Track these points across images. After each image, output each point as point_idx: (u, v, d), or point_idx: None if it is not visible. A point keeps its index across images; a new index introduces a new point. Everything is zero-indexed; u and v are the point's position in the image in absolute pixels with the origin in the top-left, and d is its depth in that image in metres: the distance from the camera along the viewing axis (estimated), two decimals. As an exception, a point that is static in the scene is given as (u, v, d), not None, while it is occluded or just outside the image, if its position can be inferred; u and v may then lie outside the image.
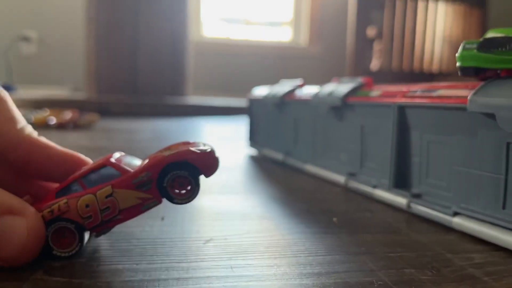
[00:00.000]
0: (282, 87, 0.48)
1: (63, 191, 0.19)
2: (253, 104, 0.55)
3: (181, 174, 0.18)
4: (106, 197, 0.18)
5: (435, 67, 2.02)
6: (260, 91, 0.53)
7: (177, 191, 0.19)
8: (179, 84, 1.52)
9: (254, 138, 0.55)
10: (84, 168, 0.20)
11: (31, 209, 0.18)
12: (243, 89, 1.07)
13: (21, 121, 0.21)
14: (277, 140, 0.48)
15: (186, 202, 0.19)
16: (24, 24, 2.06)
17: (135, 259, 0.19)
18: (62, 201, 0.18)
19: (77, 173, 0.20)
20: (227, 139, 0.71)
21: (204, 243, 0.21)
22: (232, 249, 0.20)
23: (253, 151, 0.55)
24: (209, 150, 0.19)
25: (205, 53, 2.32)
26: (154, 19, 1.45)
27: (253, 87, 0.59)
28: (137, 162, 0.20)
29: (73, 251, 0.19)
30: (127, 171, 0.19)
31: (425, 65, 2.02)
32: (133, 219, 0.21)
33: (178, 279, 0.17)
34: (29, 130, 0.21)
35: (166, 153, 0.19)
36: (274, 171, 0.43)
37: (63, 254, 0.18)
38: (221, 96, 2.01)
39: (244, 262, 0.19)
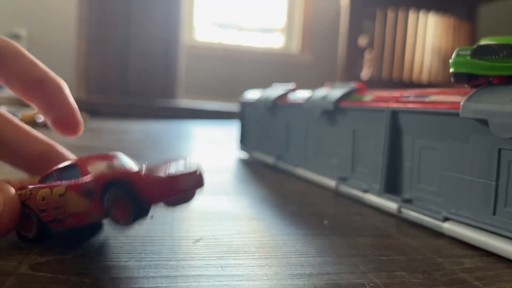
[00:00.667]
0: (275, 91, 0.48)
1: (45, 178, 0.19)
2: (245, 107, 0.55)
3: (119, 194, 0.16)
4: (59, 196, 0.18)
5: (424, 78, 2.05)
6: (253, 94, 0.53)
7: (117, 210, 0.17)
8: (170, 87, 1.52)
9: (245, 142, 0.54)
10: (69, 162, 0.19)
11: (7, 186, 0.19)
12: (235, 94, 1.07)
13: None
14: (269, 144, 0.48)
15: (123, 225, 0.17)
16: (14, 21, 2.04)
17: (123, 256, 0.18)
18: (29, 188, 0.19)
19: (60, 165, 0.19)
20: (217, 142, 0.71)
21: (193, 242, 0.21)
22: (222, 248, 0.20)
23: (244, 155, 0.55)
24: (160, 176, 0.17)
25: (197, 57, 2.32)
26: (146, 20, 1.45)
27: (244, 92, 0.59)
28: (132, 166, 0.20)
29: (32, 236, 0.19)
30: (85, 174, 0.18)
31: (415, 75, 2.04)
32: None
33: (167, 277, 0.17)
34: None
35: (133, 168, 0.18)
36: (265, 174, 0.43)
37: (24, 235, 0.19)
38: (212, 100, 2.01)
39: (234, 261, 0.19)
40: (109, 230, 0.22)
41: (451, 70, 0.24)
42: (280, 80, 2.23)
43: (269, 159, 0.46)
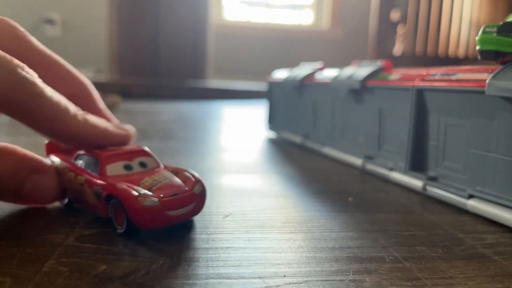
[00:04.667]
0: (302, 70, 0.48)
1: (77, 157, 0.22)
2: (272, 87, 0.55)
3: (118, 206, 0.19)
4: (80, 184, 0.20)
5: (461, 52, 1.97)
6: (280, 74, 0.54)
7: (118, 217, 0.19)
8: (200, 67, 1.53)
9: (273, 121, 0.55)
10: (96, 154, 0.21)
11: (50, 166, 0.22)
12: (264, 72, 1.07)
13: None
14: (296, 123, 0.48)
15: (119, 232, 0.19)
16: (48, 6, 2.10)
17: (158, 230, 0.20)
18: (62, 165, 0.22)
19: (89, 152, 0.21)
20: (246, 122, 0.72)
21: (223, 218, 0.22)
22: (249, 223, 0.22)
23: (272, 134, 0.56)
24: (153, 203, 0.18)
25: (226, 36, 2.32)
26: (175, 1, 1.46)
27: (273, 71, 0.59)
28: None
29: (64, 203, 0.22)
30: (101, 174, 0.20)
31: (451, 50, 1.97)
32: None
33: (198, 248, 0.18)
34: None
35: (127, 189, 0.18)
36: (292, 153, 0.44)
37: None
38: (241, 79, 2.02)
39: (261, 235, 0.20)
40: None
41: (478, 47, 0.24)
42: (310, 57, 2.21)
43: (297, 138, 0.47)
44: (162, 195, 0.18)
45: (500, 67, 0.23)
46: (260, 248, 0.18)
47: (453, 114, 0.27)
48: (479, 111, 0.24)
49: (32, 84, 0.18)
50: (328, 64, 0.48)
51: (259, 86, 1.35)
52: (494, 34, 0.23)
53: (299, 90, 0.48)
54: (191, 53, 1.51)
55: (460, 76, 0.26)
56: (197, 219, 0.22)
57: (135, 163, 0.21)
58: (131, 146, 0.22)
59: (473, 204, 0.24)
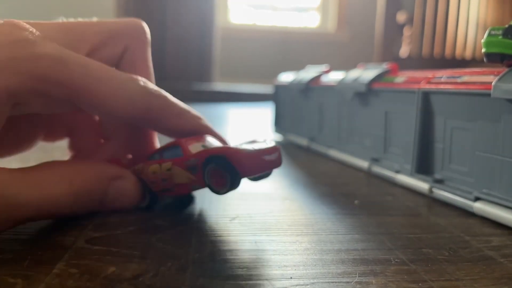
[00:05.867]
0: (308, 73, 0.48)
1: (152, 156, 0.23)
2: (278, 90, 0.56)
3: (217, 167, 0.20)
4: (167, 170, 0.22)
5: (468, 54, 1.96)
6: (286, 77, 0.54)
7: (215, 180, 0.20)
8: (206, 70, 1.54)
9: (279, 124, 0.55)
10: (171, 143, 0.23)
11: (129, 172, 0.23)
12: (270, 75, 1.08)
13: None
14: (302, 126, 0.49)
15: (221, 193, 0.20)
16: (55, 11, 2.12)
17: (167, 233, 0.20)
18: (141, 164, 0.23)
19: (164, 146, 0.23)
20: (252, 124, 0.72)
21: (230, 220, 0.22)
22: (256, 226, 0.22)
23: (278, 137, 0.56)
24: (250, 151, 0.20)
25: (232, 39, 2.33)
26: (182, 5, 1.47)
27: (279, 74, 0.59)
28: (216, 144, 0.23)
29: (146, 204, 0.23)
30: (187, 153, 0.21)
31: (458, 52, 1.96)
32: (164, 197, 0.25)
33: (206, 251, 0.18)
34: None
35: (225, 146, 0.20)
36: (299, 156, 0.44)
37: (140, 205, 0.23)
38: (247, 82, 2.02)
39: (267, 238, 0.20)
40: (154, 211, 0.24)
41: (483, 50, 0.24)
42: (316, 60, 2.21)
43: (303, 141, 0.47)
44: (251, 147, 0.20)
45: (506, 69, 0.23)
46: (267, 250, 0.19)
47: (459, 117, 0.27)
48: (485, 113, 0.24)
49: (164, 96, 0.22)
50: (334, 67, 0.48)
51: (265, 89, 1.35)
52: (500, 37, 0.23)
53: (305, 93, 0.48)
54: (197, 56, 1.51)
55: (466, 78, 0.26)
56: (204, 221, 0.22)
57: (208, 142, 0.23)
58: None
59: (479, 207, 0.24)
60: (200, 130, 0.23)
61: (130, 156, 0.25)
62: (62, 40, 0.20)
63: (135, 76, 0.21)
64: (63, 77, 0.18)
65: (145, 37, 0.24)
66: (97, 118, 0.26)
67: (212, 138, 0.24)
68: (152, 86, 0.21)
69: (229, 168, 0.19)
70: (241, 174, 0.19)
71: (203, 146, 0.22)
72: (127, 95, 0.20)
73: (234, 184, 0.20)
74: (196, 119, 0.23)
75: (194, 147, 0.22)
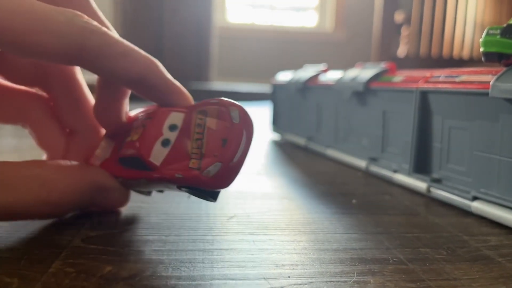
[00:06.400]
0: (306, 72, 0.48)
1: (122, 158, 0.20)
2: (276, 89, 0.56)
3: (192, 192, 0.18)
4: (144, 184, 0.20)
5: (465, 53, 1.97)
6: (284, 76, 0.54)
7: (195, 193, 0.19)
8: (204, 69, 1.54)
9: (277, 123, 0.55)
10: (129, 147, 0.20)
11: (112, 179, 0.21)
12: (268, 74, 1.07)
13: None
14: (300, 125, 0.49)
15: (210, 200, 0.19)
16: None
17: (164, 231, 0.20)
18: (120, 178, 0.21)
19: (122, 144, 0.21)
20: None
21: (228, 219, 0.22)
22: (254, 225, 0.22)
23: (276, 136, 0.56)
24: (216, 170, 0.17)
25: (230, 39, 2.32)
26: (179, 4, 1.46)
27: (277, 73, 0.59)
28: None
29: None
30: (152, 167, 0.19)
31: (455, 51, 1.96)
32: (162, 195, 0.25)
33: (203, 250, 0.18)
34: None
35: (187, 170, 0.18)
36: (296, 155, 0.44)
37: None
38: (245, 81, 2.02)
39: (265, 237, 0.20)
40: (150, 209, 0.23)
41: (481, 49, 0.24)
42: (314, 59, 2.21)
43: (301, 140, 0.47)
44: (216, 154, 0.17)
45: (504, 69, 0.23)
46: (265, 249, 0.19)
47: (457, 116, 0.27)
48: (483, 113, 0.24)
49: (102, 31, 0.17)
50: (331, 66, 0.48)
51: (263, 88, 1.35)
52: (498, 36, 0.23)
53: (303, 92, 0.48)
54: (195, 56, 1.51)
55: (464, 78, 0.26)
56: (202, 220, 0.22)
57: (166, 132, 0.19)
58: (150, 109, 0.21)
59: (477, 206, 0.24)
60: (151, 76, 0.19)
61: (111, 145, 0.22)
62: None
63: (65, 9, 0.17)
64: None
65: (94, 10, 0.20)
66: (51, 102, 0.23)
67: (172, 109, 0.20)
68: (87, 19, 0.17)
69: (202, 192, 0.18)
70: (216, 192, 0.18)
71: (163, 143, 0.19)
72: (53, 29, 0.16)
73: (215, 198, 0.18)
74: (146, 61, 0.19)
75: (156, 155, 0.18)
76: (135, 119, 0.22)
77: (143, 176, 0.19)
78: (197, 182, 0.17)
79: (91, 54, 0.17)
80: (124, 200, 0.22)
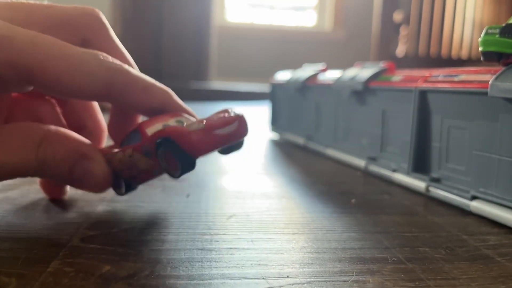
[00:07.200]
0: (305, 72, 0.48)
1: (122, 142, 0.21)
2: (275, 88, 0.55)
3: (167, 150, 0.19)
4: (129, 157, 0.20)
5: (464, 53, 1.97)
6: (283, 76, 0.54)
7: (170, 164, 0.19)
8: (203, 69, 1.54)
9: (276, 123, 0.55)
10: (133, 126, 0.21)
11: (100, 155, 0.21)
12: (267, 74, 1.07)
13: None
14: (299, 125, 0.49)
15: (176, 177, 0.19)
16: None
17: (163, 231, 0.20)
18: (110, 153, 0.21)
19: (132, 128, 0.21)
20: (249, 123, 0.72)
21: (227, 219, 0.22)
22: (253, 224, 0.22)
23: (275, 136, 0.56)
24: (197, 128, 0.18)
25: (229, 38, 2.32)
26: (179, 3, 1.46)
27: (276, 72, 0.59)
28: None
29: (123, 191, 0.22)
30: (144, 136, 0.20)
31: (454, 51, 1.97)
32: (162, 196, 0.24)
33: (202, 249, 0.18)
34: None
35: (174, 126, 0.19)
36: (295, 154, 0.44)
37: (118, 192, 0.23)
38: (244, 81, 2.02)
39: (264, 236, 0.20)
40: (149, 208, 0.23)
41: (480, 49, 0.24)
42: (313, 58, 2.21)
43: (300, 140, 0.47)
44: (204, 120, 0.19)
45: (503, 68, 0.23)
46: (264, 249, 0.19)
47: (456, 116, 0.27)
48: (482, 112, 0.24)
49: (127, 70, 0.20)
50: (330, 66, 0.48)
51: (262, 87, 1.35)
52: (497, 36, 0.23)
53: (302, 92, 0.48)
54: (194, 55, 1.51)
55: (463, 77, 0.26)
56: (200, 219, 0.22)
57: (171, 122, 0.21)
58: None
59: (476, 206, 0.24)
60: (168, 105, 0.22)
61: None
62: (9, 19, 0.18)
63: (93, 51, 0.19)
64: (9, 56, 0.17)
65: (105, 28, 0.22)
66: (59, 109, 0.24)
67: (179, 115, 0.22)
68: (112, 60, 0.19)
69: (177, 150, 0.18)
70: (190, 155, 0.18)
71: (164, 125, 0.20)
72: (85, 71, 0.18)
73: (186, 166, 0.18)
74: (164, 93, 0.21)
75: (154, 128, 0.20)
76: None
77: (132, 147, 0.20)
78: (175, 132, 0.18)
79: (118, 91, 0.19)
80: (106, 178, 0.21)
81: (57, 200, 0.24)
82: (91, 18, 0.21)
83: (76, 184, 0.21)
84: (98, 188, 0.21)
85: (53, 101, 0.24)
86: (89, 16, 0.21)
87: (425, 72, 0.30)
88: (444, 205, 0.26)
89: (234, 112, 0.20)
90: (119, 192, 0.23)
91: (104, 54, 0.19)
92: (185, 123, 0.21)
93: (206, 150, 0.18)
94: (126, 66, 0.20)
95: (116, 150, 0.21)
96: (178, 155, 0.18)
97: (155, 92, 0.21)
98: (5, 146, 0.19)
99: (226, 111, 0.21)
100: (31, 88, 0.20)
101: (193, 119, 0.22)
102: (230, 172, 0.34)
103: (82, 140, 0.21)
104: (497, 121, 0.23)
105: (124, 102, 0.20)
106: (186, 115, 0.22)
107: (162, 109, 0.21)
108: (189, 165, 0.19)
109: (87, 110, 0.24)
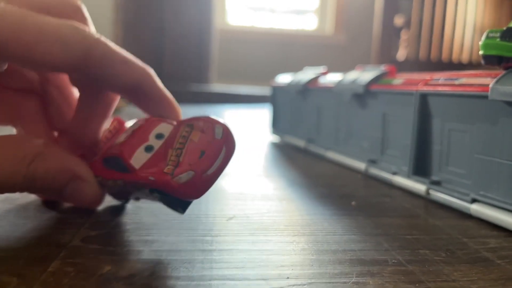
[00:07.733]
0: (306, 75, 0.48)
1: (104, 159, 0.21)
2: (276, 91, 0.56)
3: (162, 198, 0.19)
4: (123, 186, 0.20)
5: (464, 57, 1.97)
6: (284, 79, 0.54)
7: (168, 203, 0.19)
8: (204, 72, 1.54)
9: (276, 125, 0.55)
10: (112, 149, 0.20)
11: (91, 174, 0.20)
12: (268, 77, 1.08)
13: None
14: (300, 127, 0.49)
15: (181, 213, 0.19)
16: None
17: (163, 232, 0.20)
18: (99, 177, 0.20)
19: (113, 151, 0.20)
20: (250, 126, 0.72)
21: (227, 220, 0.22)
22: (253, 226, 0.22)
23: (276, 138, 0.56)
24: (188, 179, 0.17)
25: (230, 41, 2.33)
26: (180, 6, 1.47)
27: (277, 75, 0.59)
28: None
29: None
30: (132, 169, 0.19)
31: (454, 55, 1.97)
32: None
33: (203, 250, 0.18)
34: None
35: (161, 176, 0.18)
36: (296, 157, 0.44)
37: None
38: (245, 84, 2.02)
39: (265, 238, 0.20)
40: (150, 209, 0.23)
41: (481, 52, 0.24)
42: (314, 62, 2.21)
43: (300, 143, 0.47)
44: (191, 163, 0.18)
45: (503, 72, 0.23)
46: (264, 250, 0.19)
47: (457, 119, 0.27)
48: (483, 116, 0.25)
49: (104, 41, 0.19)
50: (331, 69, 0.48)
51: (263, 90, 1.35)
52: (498, 39, 0.23)
53: (302, 95, 0.48)
54: (195, 58, 1.51)
55: (463, 80, 0.26)
56: (201, 221, 0.22)
57: (152, 140, 0.20)
58: (141, 122, 0.21)
59: (476, 209, 0.24)
60: (147, 84, 0.21)
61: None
62: None
63: (69, 21, 0.18)
64: None
65: (85, 20, 0.21)
66: (45, 104, 0.23)
67: (157, 124, 0.21)
68: (90, 30, 0.19)
69: (173, 199, 0.18)
70: (187, 202, 0.18)
71: (146, 148, 0.19)
72: (61, 39, 0.17)
73: (186, 204, 0.18)
74: (143, 70, 0.21)
75: (139, 157, 0.19)
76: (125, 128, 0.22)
77: (120, 177, 0.19)
78: (166, 187, 0.17)
79: (96, 61, 0.19)
80: (97, 199, 0.21)
81: (57, 201, 0.24)
82: (71, 9, 0.21)
83: (65, 200, 0.22)
84: (88, 206, 0.22)
85: (38, 97, 0.23)
86: (69, 6, 0.21)
87: (426, 76, 0.30)
88: (444, 208, 0.26)
89: (218, 125, 0.19)
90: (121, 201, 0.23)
91: (82, 24, 0.19)
92: (165, 136, 0.20)
93: (201, 193, 0.18)
94: (103, 38, 0.19)
95: (101, 177, 0.20)
96: (174, 201, 0.18)
97: (135, 67, 0.20)
98: None
99: (208, 120, 0.20)
100: (5, 65, 0.19)
101: (174, 123, 0.21)
102: (230, 174, 0.34)
103: (75, 159, 0.20)
104: (498, 125, 0.23)
105: (101, 73, 0.19)
106: (164, 122, 0.21)
107: (139, 87, 0.21)
108: (188, 203, 0.19)
109: (72, 110, 0.24)
